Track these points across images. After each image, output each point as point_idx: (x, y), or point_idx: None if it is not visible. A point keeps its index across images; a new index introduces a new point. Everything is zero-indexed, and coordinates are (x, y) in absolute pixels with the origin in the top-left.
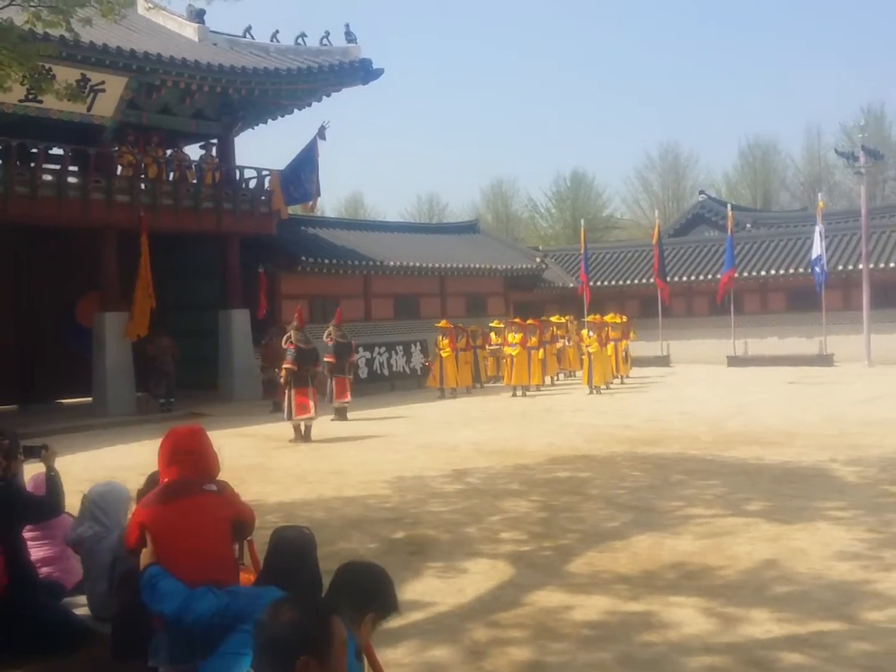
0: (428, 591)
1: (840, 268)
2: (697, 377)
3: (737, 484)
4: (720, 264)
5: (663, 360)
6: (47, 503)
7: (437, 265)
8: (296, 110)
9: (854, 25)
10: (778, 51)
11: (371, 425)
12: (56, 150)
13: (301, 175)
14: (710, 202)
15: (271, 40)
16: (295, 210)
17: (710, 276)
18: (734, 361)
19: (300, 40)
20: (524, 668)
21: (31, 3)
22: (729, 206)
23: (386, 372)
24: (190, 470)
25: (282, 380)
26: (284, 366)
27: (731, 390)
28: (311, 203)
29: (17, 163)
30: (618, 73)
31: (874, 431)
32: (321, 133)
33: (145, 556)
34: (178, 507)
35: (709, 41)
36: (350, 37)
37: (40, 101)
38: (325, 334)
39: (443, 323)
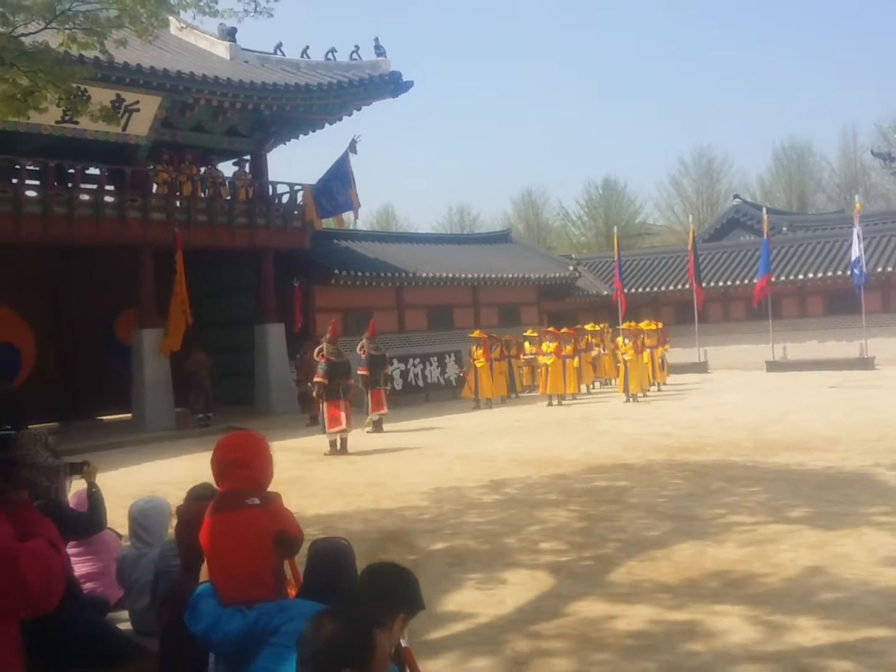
0: (468, 603)
1: (879, 270)
2: (736, 383)
3: (779, 490)
4: (756, 269)
5: (700, 367)
6: (89, 520)
7: (469, 275)
8: (327, 125)
9: (891, 24)
10: (812, 51)
11: (407, 437)
12: (92, 170)
13: (333, 188)
14: (745, 206)
15: (302, 56)
16: (328, 224)
17: (746, 281)
18: (773, 366)
19: (330, 55)
20: None
21: (67, 26)
22: (764, 209)
23: (421, 383)
24: (235, 482)
25: (314, 393)
26: (315, 379)
27: (771, 396)
28: (352, 214)
29: (55, 183)
30: (648, 79)
31: None
32: (352, 147)
33: (203, 570)
34: (222, 520)
35: (741, 44)
36: (379, 50)
37: (76, 122)
38: (359, 347)
39: (476, 333)
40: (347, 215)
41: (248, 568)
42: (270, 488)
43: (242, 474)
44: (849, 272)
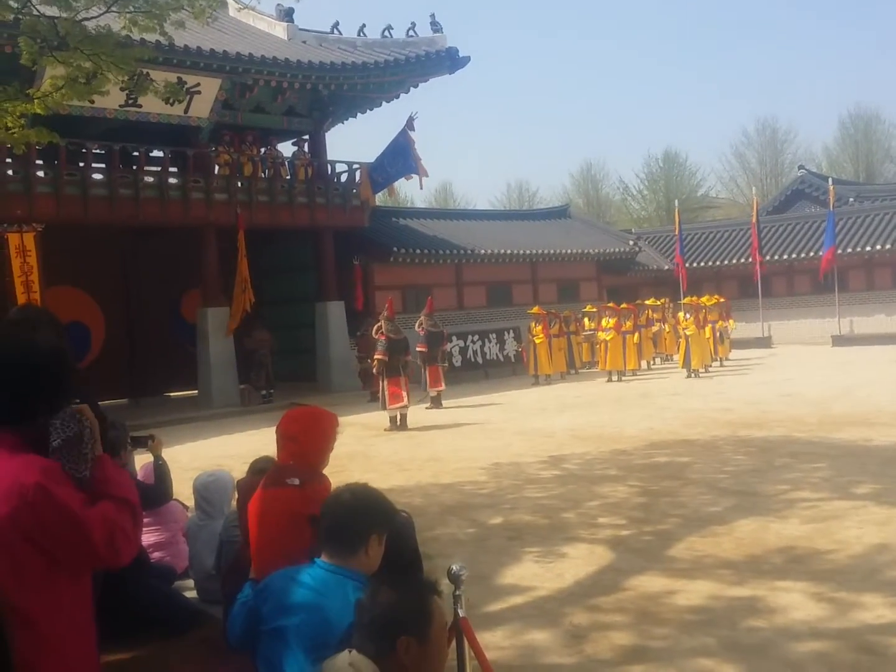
0: (526, 576)
1: None
2: (800, 358)
3: (844, 466)
4: (822, 241)
5: (764, 342)
6: (156, 491)
7: (528, 251)
8: (384, 103)
9: None
10: (877, 15)
11: (466, 413)
12: (156, 153)
13: (388, 164)
14: (811, 177)
15: (358, 34)
16: (385, 201)
17: (811, 254)
18: (839, 341)
19: (387, 33)
20: (626, 652)
21: (127, 10)
22: (830, 180)
23: (480, 360)
24: (287, 456)
25: (374, 370)
26: (376, 356)
27: (837, 371)
28: (415, 178)
29: (120, 166)
30: (710, 50)
31: None
32: (410, 124)
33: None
34: (264, 496)
35: (804, 9)
36: (436, 27)
37: (140, 106)
38: (417, 324)
39: (535, 309)
40: (407, 188)
41: (281, 546)
42: (332, 464)
43: (292, 449)
44: None
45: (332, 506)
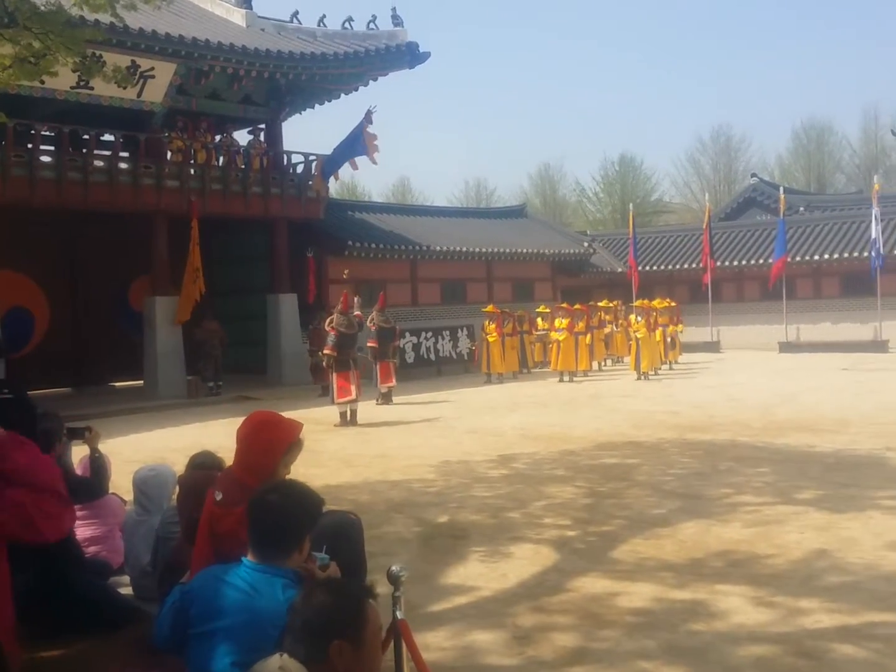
0: (471, 576)
1: None
2: (748, 363)
3: (787, 472)
4: (772, 248)
5: (713, 346)
6: (90, 484)
7: (484, 250)
8: (343, 95)
9: None
10: (833, 30)
11: (417, 410)
12: (107, 137)
13: (345, 156)
14: (763, 185)
15: (318, 25)
16: (342, 194)
17: (761, 261)
18: (786, 347)
19: (347, 24)
20: (568, 654)
21: None
22: (782, 188)
23: (433, 357)
24: (234, 464)
25: (324, 364)
26: (325, 351)
27: (783, 377)
28: (367, 159)
29: (70, 149)
30: (668, 55)
31: None
32: (368, 118)
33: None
34: (214, 515)
35: (762, 21)
36: (396, 20)
37: (91, 88)
38: (369, 319)
39: (490, 308)
40: (362, 159)
41: (196, 562)
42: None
43: (236, 455)
44: (865, 254)
45: (261, 509)
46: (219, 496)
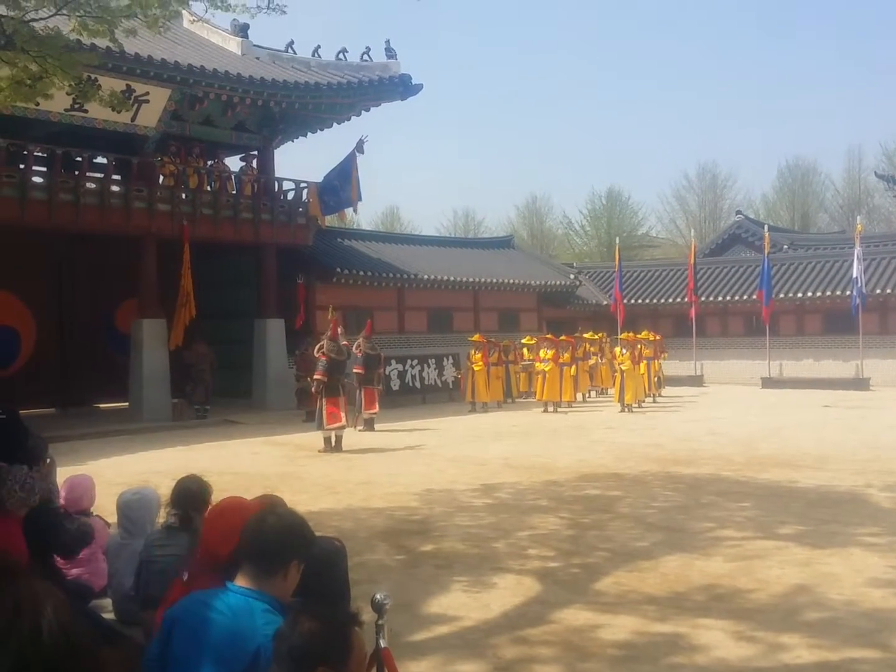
0: (453, 606)
1: (878, 291)
2: (731, 398)
3: (769, 507)
4: (755, 285)
5: (696, 380)
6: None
7: (471, 279)
8: (335, 124)
9: None
10: (819, 71)
11: (401, 437)
12: (100, 159)
13: (338, 186)
14: (748, 222)
15: (313, 55)
16: (332, 221)
17: (745, 297)
18: (768, 383)
19: (341, 55)
20: None
21: (78, 13)
22: (766, 226)
23: (418, 384)
24: (199, 546)
25: (313, 389)
26: (315, 376)
27: (765, 412)
28: (352, 209)
29: (62, 170)
30: (655, 93)
31: None
32: (359, 147)
33: None
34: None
35: (749, 61)
36: (390, 52)
37: (85, 111)
38: (355, 346)
39: (476, 337)
40: (349, 211)
41: None
42: (264, 482)
43: (201, 540)
44: (848, 292)
45: (257, 527)
46: (185, 577)
